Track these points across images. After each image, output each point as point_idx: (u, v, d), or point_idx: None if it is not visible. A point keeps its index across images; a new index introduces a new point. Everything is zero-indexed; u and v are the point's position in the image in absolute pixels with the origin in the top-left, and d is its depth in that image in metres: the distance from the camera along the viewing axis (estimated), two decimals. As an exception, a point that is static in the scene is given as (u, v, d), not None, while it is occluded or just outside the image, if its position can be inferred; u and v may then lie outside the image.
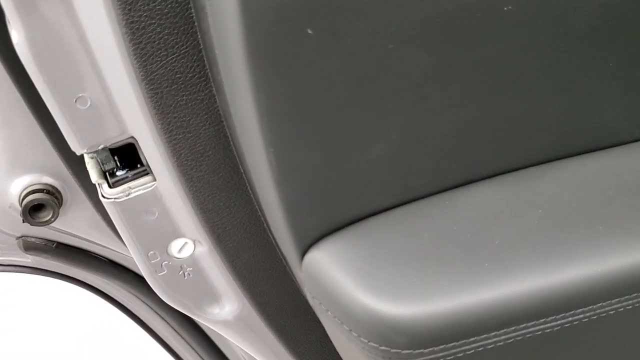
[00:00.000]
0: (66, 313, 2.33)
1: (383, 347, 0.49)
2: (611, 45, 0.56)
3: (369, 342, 0.50)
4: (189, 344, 0.95)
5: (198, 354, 0.96)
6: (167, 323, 0.94)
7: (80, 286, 0.90)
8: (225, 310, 0.70)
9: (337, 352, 0.67)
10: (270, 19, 0.41)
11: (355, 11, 0.44)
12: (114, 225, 0.69)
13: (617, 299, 0.53)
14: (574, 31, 0.54)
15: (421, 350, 0.49)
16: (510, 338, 0.51)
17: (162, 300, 0.75)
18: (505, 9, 0.48)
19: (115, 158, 0.58)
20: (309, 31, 0.43)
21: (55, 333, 2.38)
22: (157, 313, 0.92)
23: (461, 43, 0.49)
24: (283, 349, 0.73)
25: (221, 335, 0.89)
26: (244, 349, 0.75)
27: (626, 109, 0.62)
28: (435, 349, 0.49)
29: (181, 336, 0.94)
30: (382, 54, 0.47)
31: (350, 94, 0.48)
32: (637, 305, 0.54)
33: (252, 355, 0.75)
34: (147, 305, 0.91)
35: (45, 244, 0.78)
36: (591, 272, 0.52)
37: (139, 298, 0.90)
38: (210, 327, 0.72)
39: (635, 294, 0.54)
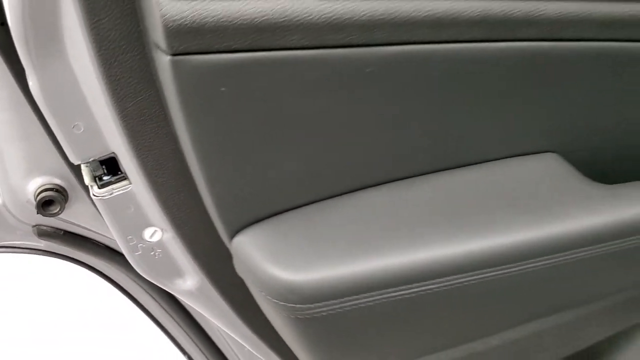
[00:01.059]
0: (71, 289, 2.40)
1: (282, 303, 0.63)
2: (465, 94, 0.67)
3: (273, 299, 0.63)
4: (170, 315, 1.06)
5: (178, 324, 1.06)
6: (154, 298, 1.04)
7: (83, 267, 0.97)
8: (188, 283, 0.80)
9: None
10: (194, 81, 0.53)
11: (256, 76, 0.55)
12: (107, 217, 0.76)
13: (461, 275, 0.66)
14: (428, 89, 0.64)
15: (308, 305, 0.62)
16: (376, 300, 0.64)
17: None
18: (367, 70, 0.59)
19: (103, 167, 0.68)
20: (222, 89, 0.54)
21: (59, 306, 2.47)
22: (145, 290, 1.03)
23: (336, 96, 0.60)
24: (233, 314, 0.82)
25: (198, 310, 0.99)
26: (205, 314, 0.85)
27: (491, 133, 0.73)
28: (319, 304, 0.62)
29: (164, 309, 1.05)
30: (279, 106, 0.58)
31: (257, 133, 0.59)
32: (475, 282, 0.67)
33: (212, 319, 0.86)
34: (137, 283, 1.02)
35: (55, 231, 0.86)
36: (439, 254, 0.66)
37: (130, 277, 0.99)
38: (178, 296, 0.83)
39: (476, 272, 0.67)
